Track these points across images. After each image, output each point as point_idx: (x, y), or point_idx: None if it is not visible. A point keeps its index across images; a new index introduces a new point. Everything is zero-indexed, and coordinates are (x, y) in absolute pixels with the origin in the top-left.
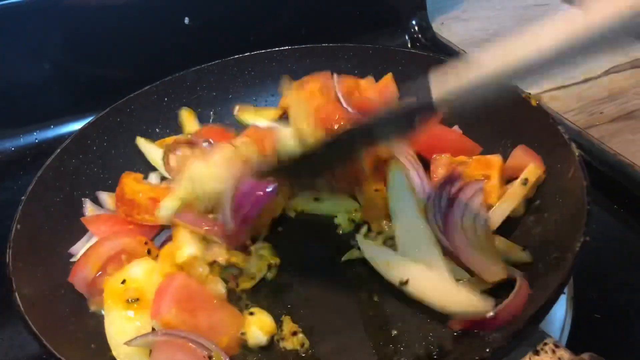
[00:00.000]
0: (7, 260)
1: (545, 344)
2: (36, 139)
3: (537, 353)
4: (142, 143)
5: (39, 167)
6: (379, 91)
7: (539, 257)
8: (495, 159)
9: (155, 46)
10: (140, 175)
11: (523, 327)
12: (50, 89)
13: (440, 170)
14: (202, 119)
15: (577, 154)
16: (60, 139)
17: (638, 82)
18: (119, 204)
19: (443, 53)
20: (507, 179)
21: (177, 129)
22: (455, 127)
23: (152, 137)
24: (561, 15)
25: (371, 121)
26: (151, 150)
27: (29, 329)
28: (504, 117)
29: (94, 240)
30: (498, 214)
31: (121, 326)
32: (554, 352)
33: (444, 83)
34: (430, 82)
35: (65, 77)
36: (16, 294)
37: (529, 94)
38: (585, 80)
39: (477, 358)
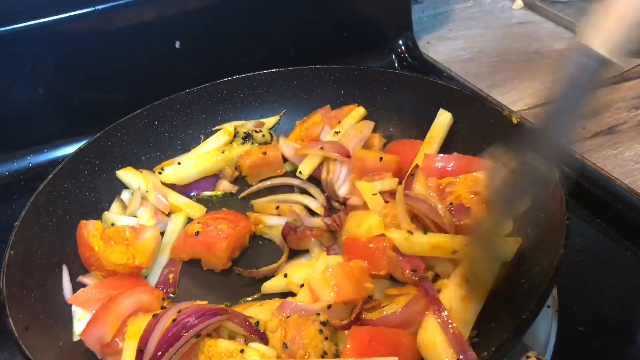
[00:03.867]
0: (1, 286)
1: (528, 357)
2: (30, 163)
3: None
4: (122, 175)
5: (33, 191)
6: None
7: (521, 272)
8: (482, 176)
9: (146, 70)
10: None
11: (506, 341)
12: (44, 114)
13: (434, 195)
14: (193, 141)
15: (557, 170)
16: (54, 162)
17: (620, 98)
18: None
19: (429, 72)
20: None
21: (168, 151)
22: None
23: (143, 160)
24: None
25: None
26: (130, 181)
27: (22, 353)
28: (486, 134)
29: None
30: None
31: None
32: None
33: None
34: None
35: (58, 101)
36: (10, 319)
37: (511, 111)
38: None
39: None
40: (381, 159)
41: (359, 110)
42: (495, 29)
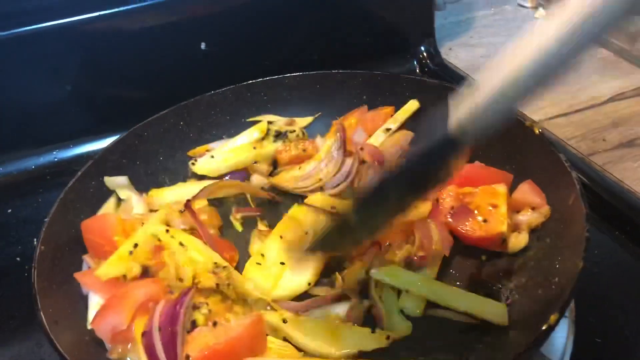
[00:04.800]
0: (32, 280)
1: None
2: (55, 158)
3: None
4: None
5: (58, 186)
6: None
7: (539, 283)
8: (501, 188)
9: (171, 70)
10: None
11: (524, 351)
12: (70, 111)
13: (447, 200)
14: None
15: (577, 182)
16: (79, 158)
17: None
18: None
19: (450, 78)
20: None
21: (192, 150)
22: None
23: (168, 160)
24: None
25: (399, 171)
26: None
27: (54, 346)
28: (507, 144)
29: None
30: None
31: None
32: None
33: (457, 112)
34: (447, 115)
35: (84, 99)
36: (41, 313)
37: (533, 121)
38: (589, 107)
39: None
40: None
41: (413, 104)
42: (516, 36)
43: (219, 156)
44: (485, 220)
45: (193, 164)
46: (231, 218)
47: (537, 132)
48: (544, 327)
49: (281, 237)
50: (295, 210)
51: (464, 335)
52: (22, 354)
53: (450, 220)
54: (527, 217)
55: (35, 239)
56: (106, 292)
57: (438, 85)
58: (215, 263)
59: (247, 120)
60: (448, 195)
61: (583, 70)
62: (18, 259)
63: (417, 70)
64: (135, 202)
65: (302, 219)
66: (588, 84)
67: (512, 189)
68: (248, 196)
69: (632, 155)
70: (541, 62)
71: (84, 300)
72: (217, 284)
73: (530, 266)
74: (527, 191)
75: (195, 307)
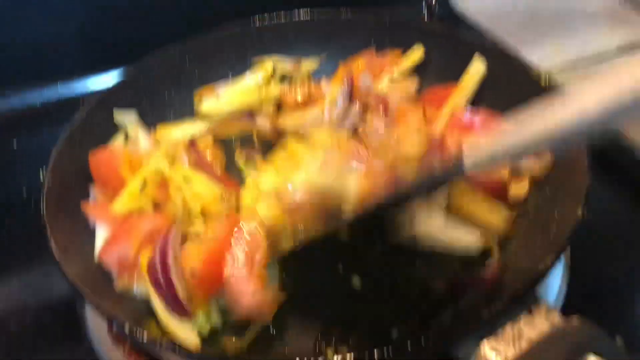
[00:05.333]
0: (42, 212)
1: (539, 307)
2: (60, 93)
3: (531, 315)
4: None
5: (63, 121)
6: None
7: (537, 231)
8: None
9: (178, 5)
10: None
11: (519, 292)
12: (74, 46)
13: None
14: (222, 80)
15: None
16: (83, 95)
17: None
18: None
19: (459, 25)
20: None
21: (196, 86)
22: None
23: (173, 97)
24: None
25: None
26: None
27: (63, 273)
28: (512, 94)
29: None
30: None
31: None
32: (546, 314)
33: (477, 152)
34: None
35: (89, 33)
36: (51, 241)
37: (539, 71)
38: (598, 60)
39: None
40: None
41: (418, 52)
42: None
43: (224, 97)
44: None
45: (199, 104)
46: (235, 157)
47: (543, 82)
48: (539, 270)
49: (275, 167)
50: (292, 145)
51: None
52: (31, 285)
53: None
54: (527, 163)
55: (41, 173)
56: (114, 223)
57: (446, 32)
58: (221, 194)
59: (253, 60)
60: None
61: (590, 20)
62: (24, 194)
63: (426, 16)
64: (142, 138)
65: (298, 152)
66: (596, 36)
67: None
68: (254, 137)
69: None
70: (576, 129)
71: (92, 232)
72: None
73: (529, 215)
74: None
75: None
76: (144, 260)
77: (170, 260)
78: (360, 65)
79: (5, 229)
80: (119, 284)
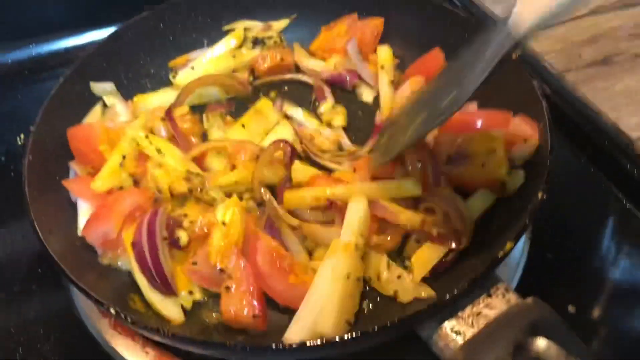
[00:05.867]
0: (23, 189)
1: (498, 288)
2: (33, 52)
3: (489, 296)
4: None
5: (37, 82)
6: None
7: (503, 209)
8: (498, 133)
9: None
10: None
11: (480, 275)
12: (48, 2)
13: (442, 148)
14: (197, 46)
15: (547, 112)
16: (57, 54)
17: (620, 25)
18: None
19: None
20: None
21: (173, 55)
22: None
23: (148, 62)
24: None
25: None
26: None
27: (49, 257)
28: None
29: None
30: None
31: None
32: (503, 295)
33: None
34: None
35: None
36: (35, 223)
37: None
38: (570, 20)
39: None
40: None
41: (387, 52)
42: None
43: (198, 67)
44: (483, 165)
45: (174, 76)
46: (204, 117)
47: (515, 56)
48: (498, 254)
49: (243, 126)
50: (262, 104)
51: None
52: (13, 247)
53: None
54: (520, 151)
55: (18, 138)
56: (95, 199)
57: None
58: (188, 170)
59: (225, 28)
60: (444, 141)
61: None
62: (2, 157)
63: None
64: (120, 109)
65: (267, 113)
66: None
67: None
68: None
69: (603, 74)
70: None
71: (73, 207)
72: (190, 190)
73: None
74: (520, 124)
75: (177, 223)
76: (127, 238)
77: (159, 241)
78: (342, 30)
79: None
80: (104, 259)
